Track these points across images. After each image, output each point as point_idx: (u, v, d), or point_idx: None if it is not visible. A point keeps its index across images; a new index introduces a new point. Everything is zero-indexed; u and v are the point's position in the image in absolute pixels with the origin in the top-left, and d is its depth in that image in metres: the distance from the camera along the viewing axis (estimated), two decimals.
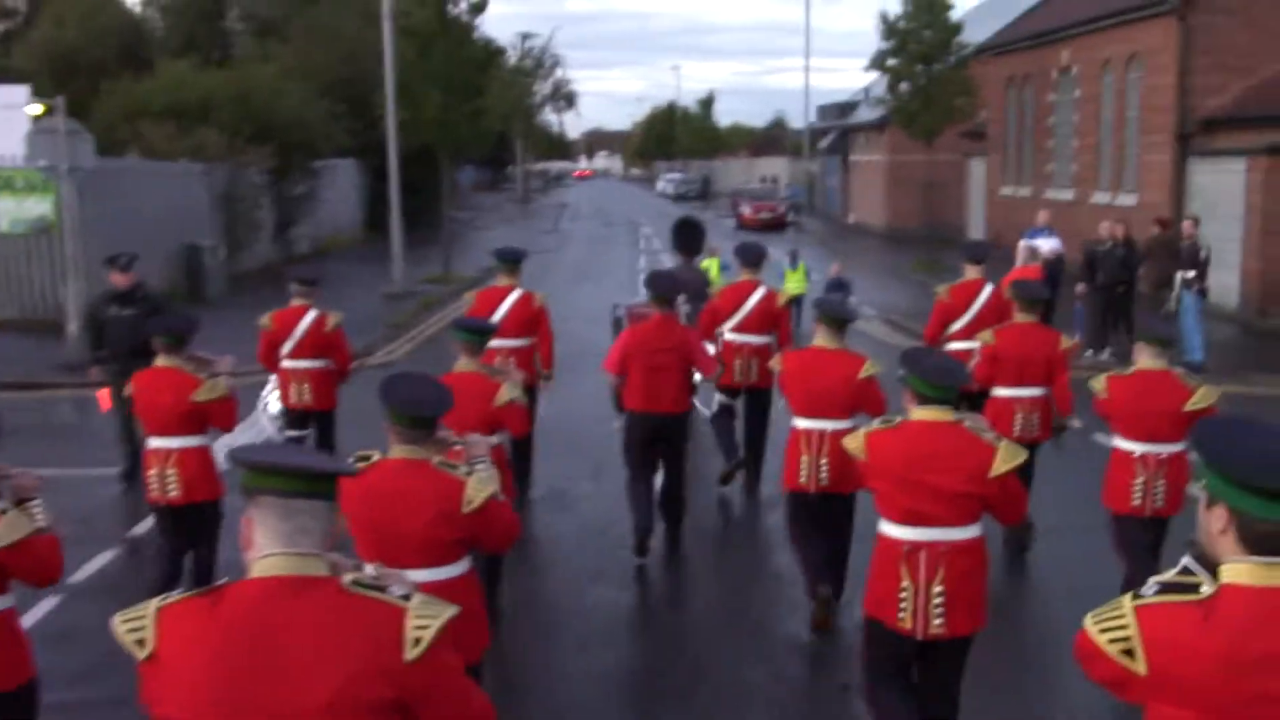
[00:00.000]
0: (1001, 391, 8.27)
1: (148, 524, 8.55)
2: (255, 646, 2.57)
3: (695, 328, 9.39)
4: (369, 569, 2.90)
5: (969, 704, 5.31)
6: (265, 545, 2.66)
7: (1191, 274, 15.25)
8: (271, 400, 9.82)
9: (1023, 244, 15.06)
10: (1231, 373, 15.30)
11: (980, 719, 5.69)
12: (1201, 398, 6.56)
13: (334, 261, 29.00)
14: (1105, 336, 15.88)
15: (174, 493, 7.02)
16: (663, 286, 8.45)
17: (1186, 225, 15.84)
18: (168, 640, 2.61)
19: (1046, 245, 15.47)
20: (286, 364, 9.57)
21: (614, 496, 9.76)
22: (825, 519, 7.18)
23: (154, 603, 2.68)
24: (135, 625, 2.64)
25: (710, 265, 16.34)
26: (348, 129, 32.42)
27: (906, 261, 29.89)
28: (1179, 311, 15.56)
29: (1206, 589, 2.66)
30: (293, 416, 9.72)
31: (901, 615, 4.99)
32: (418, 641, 2.61)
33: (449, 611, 2.69)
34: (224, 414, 7.14)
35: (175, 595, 2.71)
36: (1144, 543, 6.83)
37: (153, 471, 7.04)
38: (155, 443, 7.06)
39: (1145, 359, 6.76)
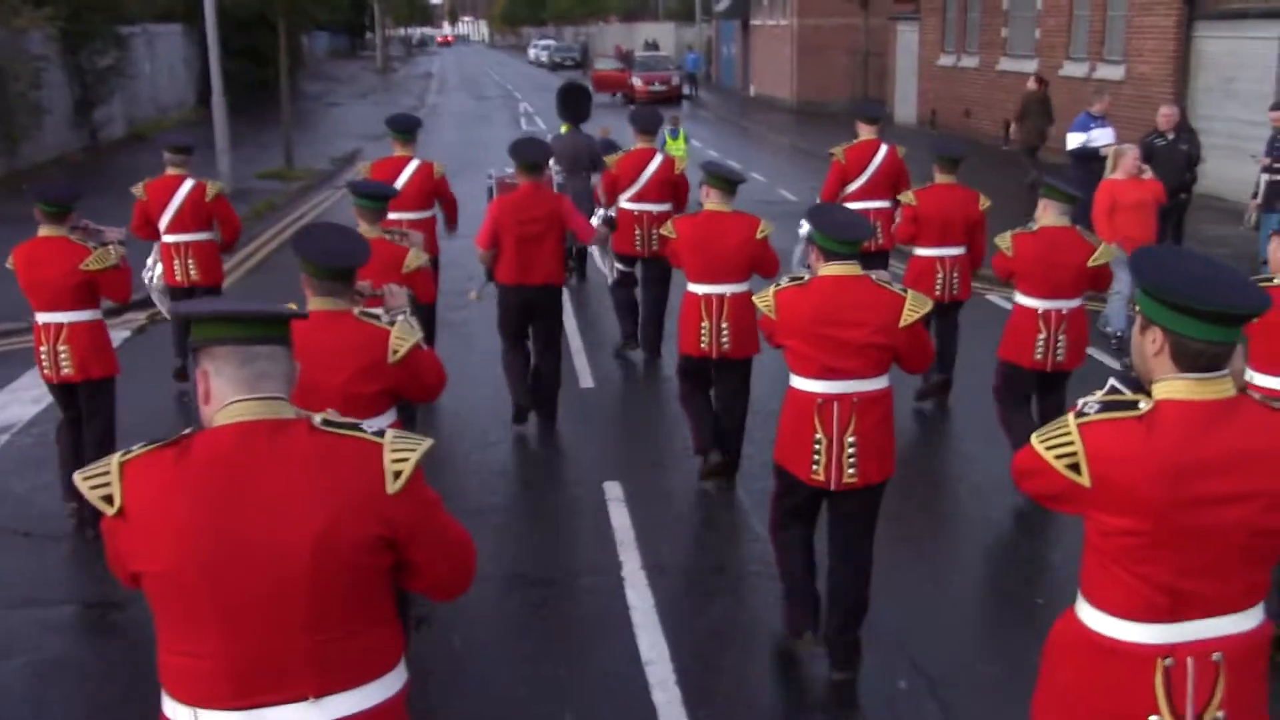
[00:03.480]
0: (923, 251, 8.43)
1: None
2: (236, 491, 2.49)
3: (569, 195, 9.17)
4: (317, 418, 2.67)
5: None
6: (227, 394, 2.58)
7: None
8: (155, 275, 9.08)
9: (1080, 137, 11.12)
10: None
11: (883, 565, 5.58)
12: (1103, 254, 6.89)
13: (154, 150, 23.71)
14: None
15: (67, 370, 6.79)
16: (528, 153, 8.10)
17: None
18: (135, 493, 2.51)
19: (1104, 138, 11.45)
20: (168, 239, 9.00)
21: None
22: (721, 384, 7.23)
23: (115, 458, 2.57)
24: (100, 481, 2.54)
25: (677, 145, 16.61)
26: None
27: (825, 142, 25.87)
28: (1260, 224, 11.84)
29: (1144, 405, 2.78)
30: (178, 294, 8.95)
31: (815, 467, 5.02)
32: (398, 474, 2.57)
33: (425, 444, 2.66)
34: (117, 284, 6.85)
35: (136, 449, 2.57)
36: (1027, 394, 7.17)
37: (43, 348, 6.81)
38: (44, 318, 6.79)
39: (1050, 216, 6.92)
